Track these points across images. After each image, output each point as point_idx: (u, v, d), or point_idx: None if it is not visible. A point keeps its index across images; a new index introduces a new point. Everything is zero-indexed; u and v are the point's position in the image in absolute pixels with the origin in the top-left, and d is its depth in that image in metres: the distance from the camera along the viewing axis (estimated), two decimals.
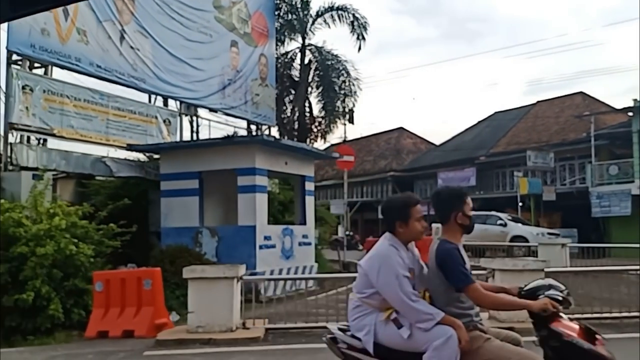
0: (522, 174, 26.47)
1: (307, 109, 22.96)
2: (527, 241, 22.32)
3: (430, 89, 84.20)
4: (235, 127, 18.13)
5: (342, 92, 22.46)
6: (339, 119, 22.80)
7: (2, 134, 11.71)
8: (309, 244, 14.96)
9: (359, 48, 21.99)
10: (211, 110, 16.63)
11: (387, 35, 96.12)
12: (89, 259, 9.82)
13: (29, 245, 9.47)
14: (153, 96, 15.05)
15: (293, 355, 7.06)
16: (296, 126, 22.10)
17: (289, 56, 22.89)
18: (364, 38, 21.63)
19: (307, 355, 7.03)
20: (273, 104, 19.44)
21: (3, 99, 11.47)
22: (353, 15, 21.77)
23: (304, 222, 14.85)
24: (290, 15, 22.24)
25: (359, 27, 21.69)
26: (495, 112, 39.47)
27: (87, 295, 9.77)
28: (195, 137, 16.53)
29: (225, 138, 14.07)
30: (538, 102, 36.65)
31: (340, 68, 22.28)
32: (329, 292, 11.16)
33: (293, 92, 22.76)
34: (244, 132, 18.55)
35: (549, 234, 22.76)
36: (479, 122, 40.01)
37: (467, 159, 34.35)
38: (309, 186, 15.09)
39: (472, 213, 3.54)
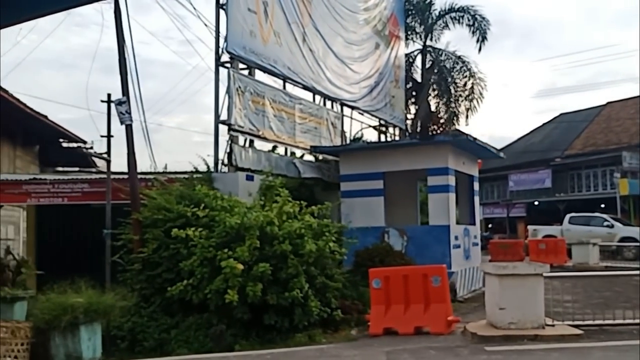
0: (620, 175, 26.44)
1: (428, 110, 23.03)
2: (637, 242, 22.35)
3: None
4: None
5: (465, 93, 22.53)
6: (459, 119, 22.83)
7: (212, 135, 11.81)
8: (477, 244, 15.02)
9: (479, 49, 22.09)
10: (363, 111, 16.72)
11: None
12: (343, 257, 9.92)
13: (284, 243, 9.54)
14: (317, 97, 15.12)
15: None
16: (418, 128, 22.18)
17: (409, 58, 22.94)
18: (485, 39, 21.70)
19: None
20: (404, 105, 19.54)
21: (223, 101, 11.55)
22: (473, 16, 21.86)
23: (472, 223, 14.89)
24: (412, 18, 22.33)
25: (479, 29, 21.75)
26: (561, 114, 39.52)
27: (329, 292, 9.87)
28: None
29: (418, 139, 14.12)
30: (608, 103, 36.65)
31: (464, 69, 22.34)
32: None
33: (414, 93, 22.81)
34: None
35: None
36: (545, 123, 40.04)
37: (540, 161, 34.31)
38: (476, 186, 15.15)
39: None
